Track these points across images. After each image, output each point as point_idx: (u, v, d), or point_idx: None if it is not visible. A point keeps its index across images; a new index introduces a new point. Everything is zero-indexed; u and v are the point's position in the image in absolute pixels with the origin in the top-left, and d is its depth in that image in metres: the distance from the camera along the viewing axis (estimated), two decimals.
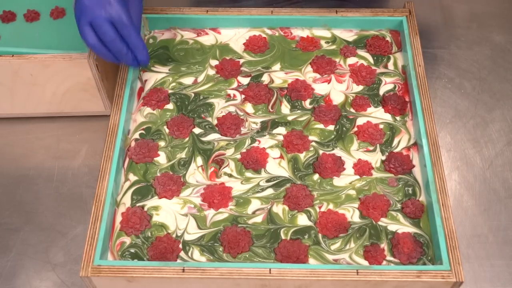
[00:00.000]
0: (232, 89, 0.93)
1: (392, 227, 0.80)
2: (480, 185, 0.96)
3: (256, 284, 0.74)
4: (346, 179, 0.84)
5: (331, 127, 0.89)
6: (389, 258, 0.77)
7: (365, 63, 0.95)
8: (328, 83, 0.93)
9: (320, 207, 0.81)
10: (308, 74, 0.94)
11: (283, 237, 0.79)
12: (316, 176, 0.84)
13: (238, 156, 0.86)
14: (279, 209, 0.81)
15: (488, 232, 0.91)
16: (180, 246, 0.78)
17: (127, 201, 0.82)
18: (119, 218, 0.80)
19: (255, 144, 0.87)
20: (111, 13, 0.81)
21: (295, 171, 0.85)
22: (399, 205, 0.82)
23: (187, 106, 0.91)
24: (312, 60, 0.96)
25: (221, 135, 0.88)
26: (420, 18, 1.05)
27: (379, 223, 0.80)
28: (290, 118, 0.90)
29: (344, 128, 0.89)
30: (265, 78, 0.94)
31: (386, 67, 0.95)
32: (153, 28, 1.00)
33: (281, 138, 0.88)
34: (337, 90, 0.93)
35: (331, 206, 0.81)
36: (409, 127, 0.89)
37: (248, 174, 0.84)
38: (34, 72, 0.92)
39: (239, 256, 0.77)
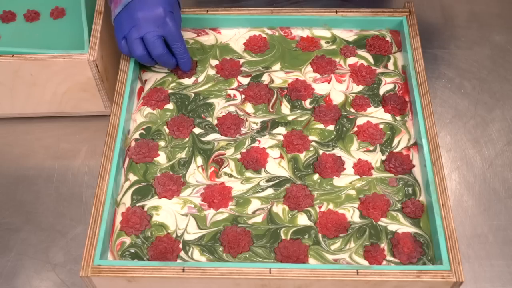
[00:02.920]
0: (232, 89, 0.93)
1: (392, 227, 0.80)
2: (480, 185, 0.96)
3: (256, 284, 0.74)
4: (346, 179, 0.84)
5: (331, 127, 0.89)
6: (389, 258, 0.77)
7: (365, 63, 0.95)
8: (328, 83, 0.93)
9: (320, 207, 0.81)
10: (308, 74, 0.94)
11: (283, 237, 0.79)
12: (316, 176, 0.84)
13: (238, 156, 0.86)
14: (279, 209, 0.81)
15: (488, 232, 0.91)
16: (180, 246, 0.78)
17: (127, 201, 0.82)
18: (119, 218, 0.80)
19: (255, 144, 0.87)
20: (166, 31, 0.85)
21: (295, 171, 0.85)
22: (399, 205, 0.81)
23: (187, 106, 0.91)
24: (312, 60, 0.96)
25: (221, 135, 0.88)
26: (420, 18, 1.05)
27: (379, 223, 0.80)
28: (290, 118, 0.90)
29: (344, 128, 0.89)
30: (265, 78, 0.94)
31: (386, 67, 0.95)
32: None
33: (281, 138, 0.88)
34: (337, 90, 0.93)
35: (331, 206, 0.81)
36: (409, 127, 0.89)
37: (248, 174, 0.84)
38: (34, 72, 0.92)
39: (239, 256, 0.77)
